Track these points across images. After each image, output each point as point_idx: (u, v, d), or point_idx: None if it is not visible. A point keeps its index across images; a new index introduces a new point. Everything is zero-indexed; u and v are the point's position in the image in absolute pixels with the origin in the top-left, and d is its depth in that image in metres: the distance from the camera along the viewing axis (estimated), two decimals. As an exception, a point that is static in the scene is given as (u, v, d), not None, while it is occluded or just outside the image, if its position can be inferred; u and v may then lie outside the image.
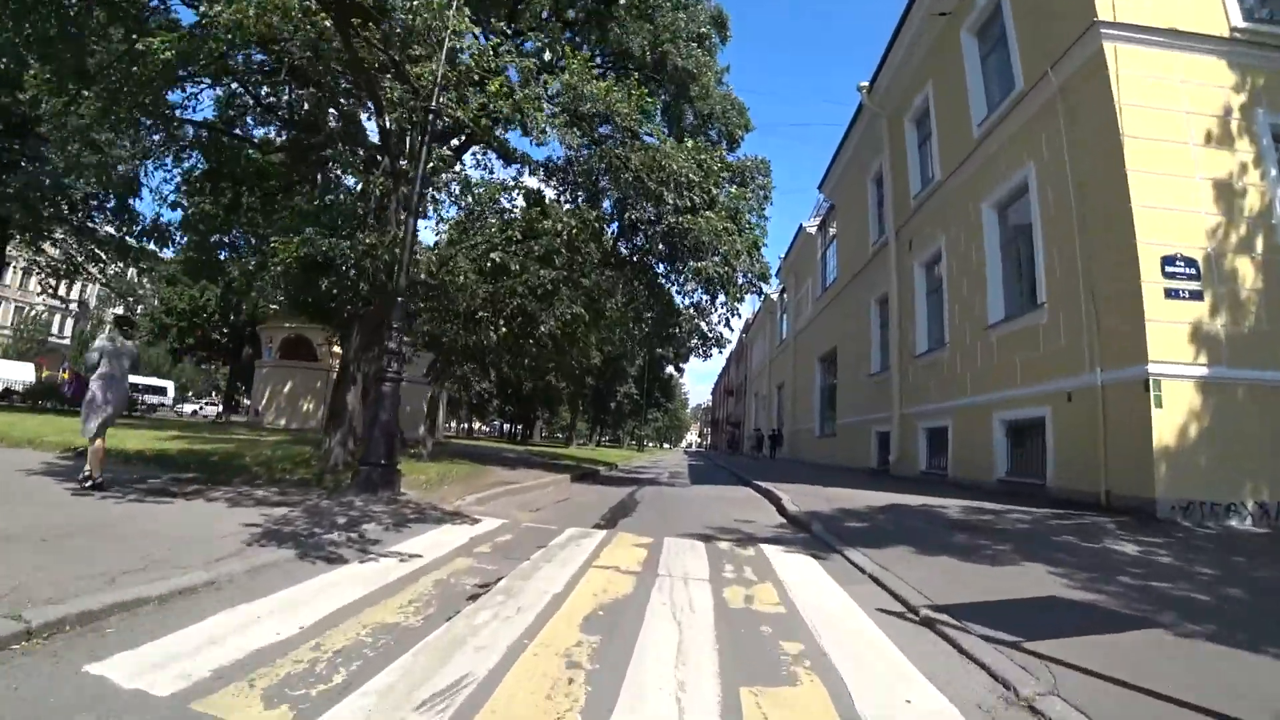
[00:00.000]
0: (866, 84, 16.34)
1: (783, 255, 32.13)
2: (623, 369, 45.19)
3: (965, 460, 11.27)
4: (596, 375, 48.86)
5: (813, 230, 26.01)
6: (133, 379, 38.10)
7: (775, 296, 36.23)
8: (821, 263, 24.74)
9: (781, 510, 7.84)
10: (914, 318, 14.11)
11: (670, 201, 9.76)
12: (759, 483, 11.17)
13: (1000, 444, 10.19)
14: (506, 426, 60.75)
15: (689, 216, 10.09)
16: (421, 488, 7.62)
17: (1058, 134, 9.03)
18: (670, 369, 54.88)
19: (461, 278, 9.59)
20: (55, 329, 53.08)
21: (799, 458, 25.70)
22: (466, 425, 59.01)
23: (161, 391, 40.95)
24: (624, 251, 12.04)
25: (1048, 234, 9.18)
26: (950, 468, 11.86)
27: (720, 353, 15.00)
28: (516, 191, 10.87)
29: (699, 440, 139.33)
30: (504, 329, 10.00)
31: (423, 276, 9.17)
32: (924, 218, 13.80)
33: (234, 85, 10.90)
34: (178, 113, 10.27)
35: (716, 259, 10.17)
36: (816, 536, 5.86)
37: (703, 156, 10.51)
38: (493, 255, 9.87)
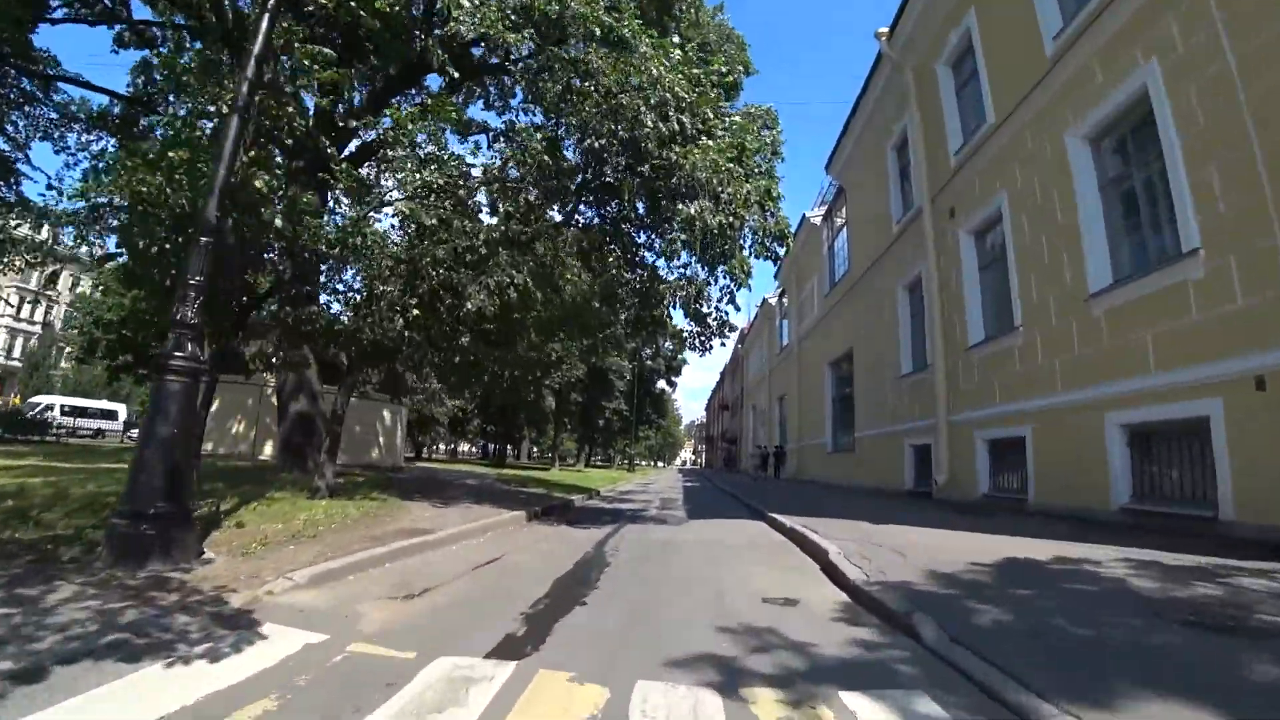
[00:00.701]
0: (886, 30, 13.72)
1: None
2: (610, 383, 42.15)
3: (1057, 481, 8.33)
4: (582, 390, 45.96)
5: (817, 220, 23.34)
6: (74, 402, 34.07)
7: (774, 300, 33.59)
8: (829, 256, 22.03)
9: (832, 573, 4.87)
10: (962, 301, 11.27)
11: (651, 124, 6.91)
12: (779, 517, 8.25)
13: (1119, 457, 7.27)
14: (492, 447, 57.52)
15: (678, 148, 7.25)
16: (243, 550, 4.61)
17: (1202, 5, 6.29)
18: (661, 383, 51.90)
19: (360, 239, 6.72)
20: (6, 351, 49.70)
21: (807, 477, 22.73)
22: (451, 447, 55.46)
23: (112, 415, 37.57)
24: (588, 212, 9.17)
25: (1194, 150, 6.37)
26: (1031, 491, 8.92)
27: (723, 344, 12.08)
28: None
29: (693, 458, 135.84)
30: (415, 310, 7.01)
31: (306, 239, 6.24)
32: (971, 176, 11.04)
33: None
34: None
35: (716, 206, 7.28)
36: (943, 657, 2.89)
37: (696, 71, 7.72)
38: (403, 207, 7.00)
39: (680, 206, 7.13)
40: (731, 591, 4.30)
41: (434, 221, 6.89)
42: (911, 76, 13.48)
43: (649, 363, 45.82)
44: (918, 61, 13.32)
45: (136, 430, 41.41)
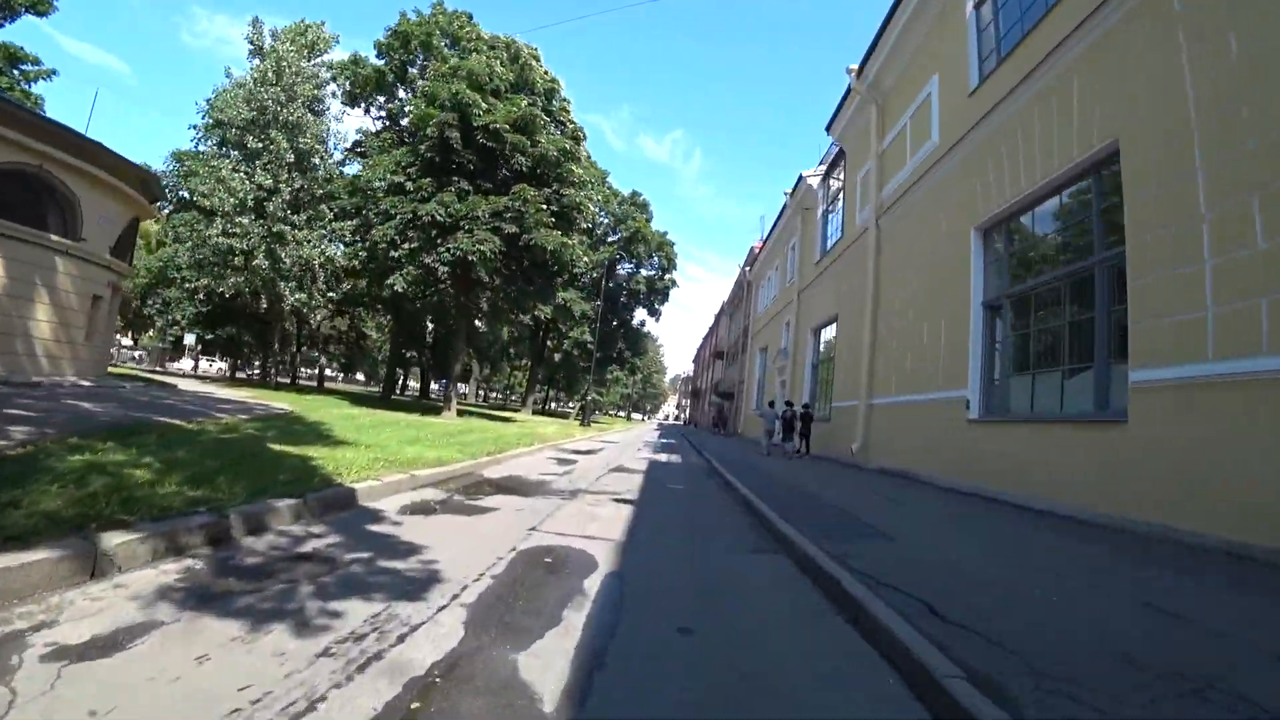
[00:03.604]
0: None
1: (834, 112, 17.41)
2: (567, 306, 30.58)
3: None
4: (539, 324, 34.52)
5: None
6: None
7: (814, 180, 21.84)
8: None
9: None
10: None
11: None
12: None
13: None
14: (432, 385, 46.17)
15: None
16: None
17: None
18: (641, 313, 39.96)
19: None
20: None
21: (888, 465, 11.76)
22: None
23: None
24: None
25: None
26: None
27: None
28: None
29: (676, 413, 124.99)
30: None
31: None
32: None
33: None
34: None
35: None
36: None
37: None
38: None
39: None
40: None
41: None
42: None
43: (626, 283, 34.18)
44: None
45: None
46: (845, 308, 16.09)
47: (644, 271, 34.31)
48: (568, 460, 10.58)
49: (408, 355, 36.81)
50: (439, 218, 14.34)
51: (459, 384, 70.88)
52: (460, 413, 21.47)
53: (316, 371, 35.83)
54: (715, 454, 15.00)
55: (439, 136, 14.36)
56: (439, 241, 14.46)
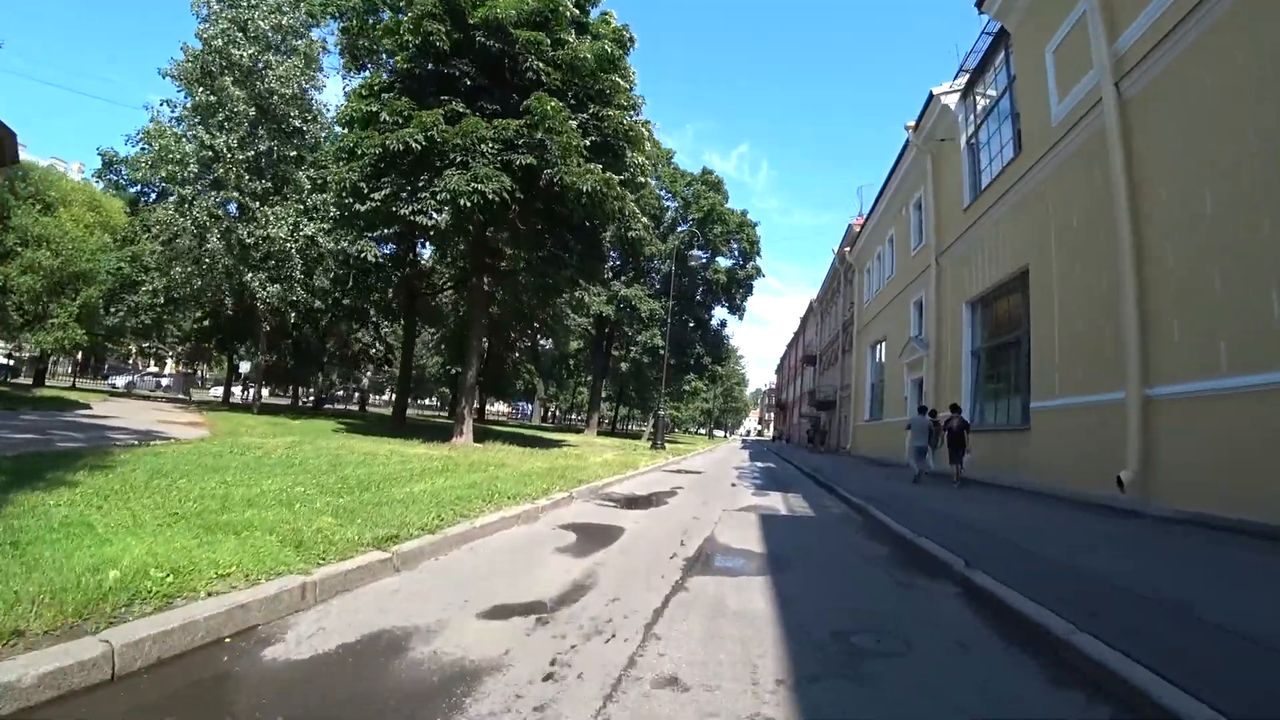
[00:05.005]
0: None
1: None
2: (632, 304, 25.51)
3: None
4: (599, 324, 29.77)
5: None
6: None
7: (952, 101, 16.05)
8: None
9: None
10: None
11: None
12: None
13: None
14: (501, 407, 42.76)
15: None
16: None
17: None
18: (721, 311, 33.58)
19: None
20: None
21: (1178, 505, 5.78)
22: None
23: None
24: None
25: None
26: None
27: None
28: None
29: (759, 429, 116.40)
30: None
31: None
32: None
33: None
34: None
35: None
36: None
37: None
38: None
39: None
40: None
41: None
42: None
43: (702, 273, 28.84)
44: None
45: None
46: (1062, 245, 10.16)
47: (722, 260, 28.91)
48: (600, 536, 5.40)
49: (453, 372, 33.11)
50: (416, 144, 10.02)
51: (525, 404, 66.28)
52: (485, 436, 16.93)
53: (357, 394, 32.79)
54: (858, 491, 9.48)
55: (419, 39, 10.00)
56: (421, 185, 10.06)
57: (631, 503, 7.59)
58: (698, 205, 27.22)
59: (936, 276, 16.01)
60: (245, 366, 39.30)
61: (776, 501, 8.74)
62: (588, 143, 11.16)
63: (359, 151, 10.63)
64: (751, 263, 28.42)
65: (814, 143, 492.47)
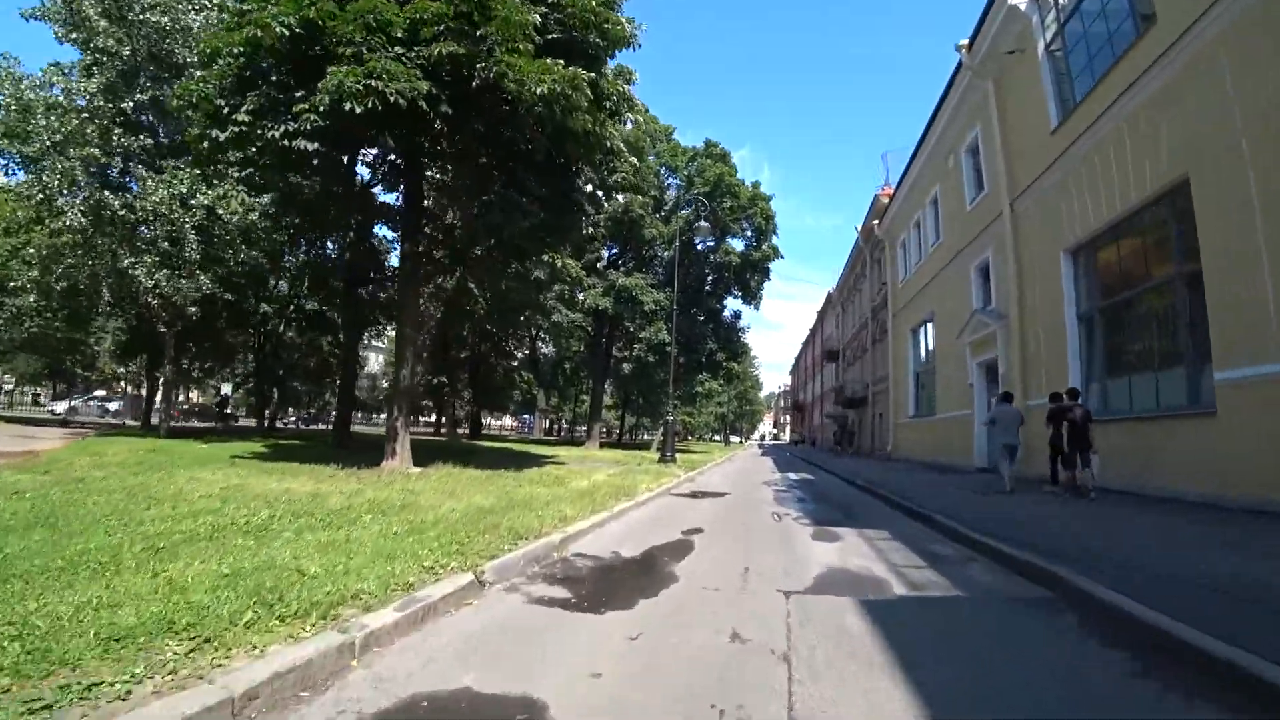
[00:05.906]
0: None
1: None
2: (633, 294, 22.03)
3: None
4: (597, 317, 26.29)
5: None
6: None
7: (1022, 1, 12.63)
8: None
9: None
10: None
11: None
12: None
13: None
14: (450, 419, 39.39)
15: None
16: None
17: None
18: (734, 303, 29.56)
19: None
20: None
21: None
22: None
23: None
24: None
25: None
26: None
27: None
28: None
29: (774, 432, 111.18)
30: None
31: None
32: None
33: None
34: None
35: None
36: None
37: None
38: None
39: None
40: None
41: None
42: None
43: (711, 255, 25.34)
44: None
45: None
46: (1253, 131, 6.66)
47: (733, 241, 25.38)
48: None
49: (435, 381, 29.62)
50: (284, 30, 6.80)
51: (531, 417, 61.94)
52: (450, 455, 13.57)
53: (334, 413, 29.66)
54: (966, 518, 5.99)
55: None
56: (300, 97, 6.78)
57: (602, 585, 3.92)
58: (703, 178, 23.81)
59: (1013, 226, 12.50)
60: (227, 389, 36.27)
61: (861, 553, 5.09)
62: (543, 40, 7.85)
63: (220, 57, 7.40)
64: (767, 242, 24.84)
65: (815, 143, 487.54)
